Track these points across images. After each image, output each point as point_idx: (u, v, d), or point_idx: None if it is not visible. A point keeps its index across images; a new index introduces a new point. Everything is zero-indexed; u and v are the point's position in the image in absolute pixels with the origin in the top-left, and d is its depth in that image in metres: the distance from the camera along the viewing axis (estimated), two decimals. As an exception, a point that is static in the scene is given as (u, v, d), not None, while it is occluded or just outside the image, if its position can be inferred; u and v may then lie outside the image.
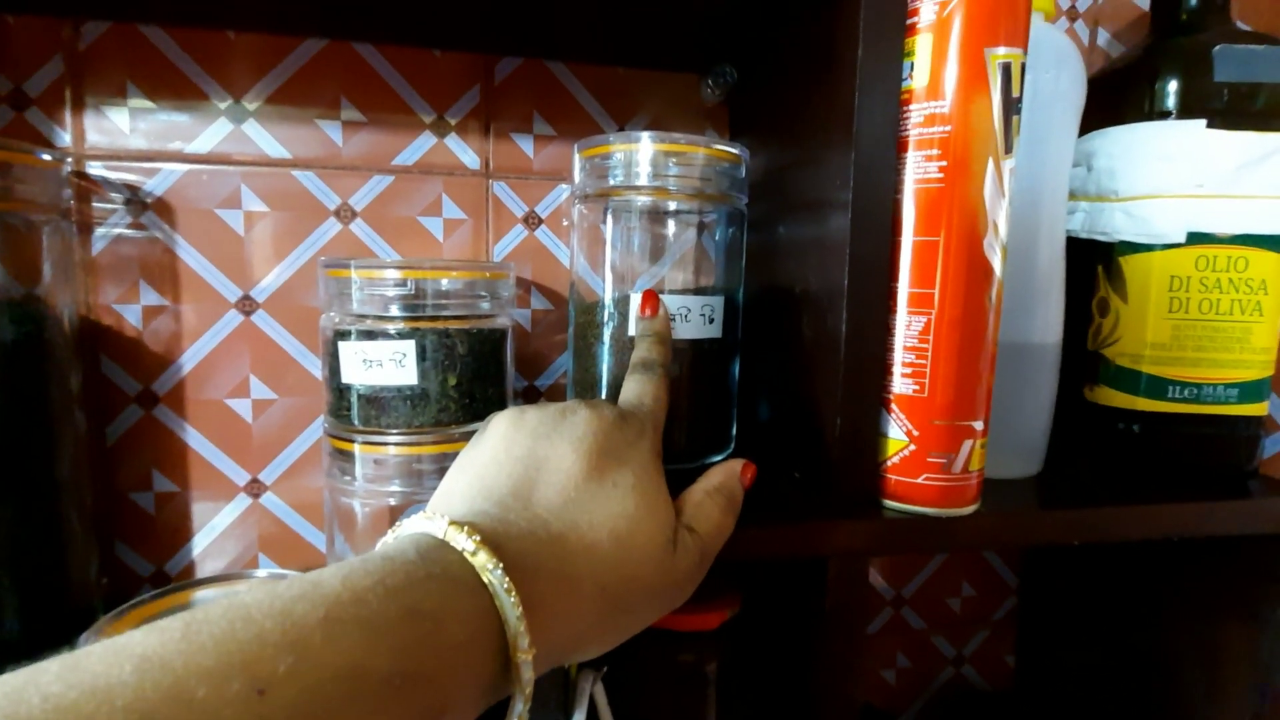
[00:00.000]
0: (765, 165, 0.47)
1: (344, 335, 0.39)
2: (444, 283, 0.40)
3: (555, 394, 0.53)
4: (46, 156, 0.40)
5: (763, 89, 0.49)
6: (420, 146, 0.49)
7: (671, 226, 0.43)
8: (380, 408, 0.40)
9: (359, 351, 0.39)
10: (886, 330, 0.36)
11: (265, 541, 0.50)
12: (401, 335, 0.39)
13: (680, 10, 0.45)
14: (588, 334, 0.45)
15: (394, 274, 0.39)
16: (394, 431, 0.40)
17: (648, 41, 0.49)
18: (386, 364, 0.39)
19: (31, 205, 0.39)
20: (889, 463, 0.37)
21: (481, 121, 0.50)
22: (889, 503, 0.38)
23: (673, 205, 0.42)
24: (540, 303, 0.52)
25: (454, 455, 0.41)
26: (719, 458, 0.45)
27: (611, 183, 0.43)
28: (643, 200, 0.42)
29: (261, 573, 0.42)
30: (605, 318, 0.44)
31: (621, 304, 0.43)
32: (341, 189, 0.48)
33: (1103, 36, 0.60)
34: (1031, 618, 0.66)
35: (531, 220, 0.52)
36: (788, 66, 0.44)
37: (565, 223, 0.52)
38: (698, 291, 0.43)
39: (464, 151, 0.50)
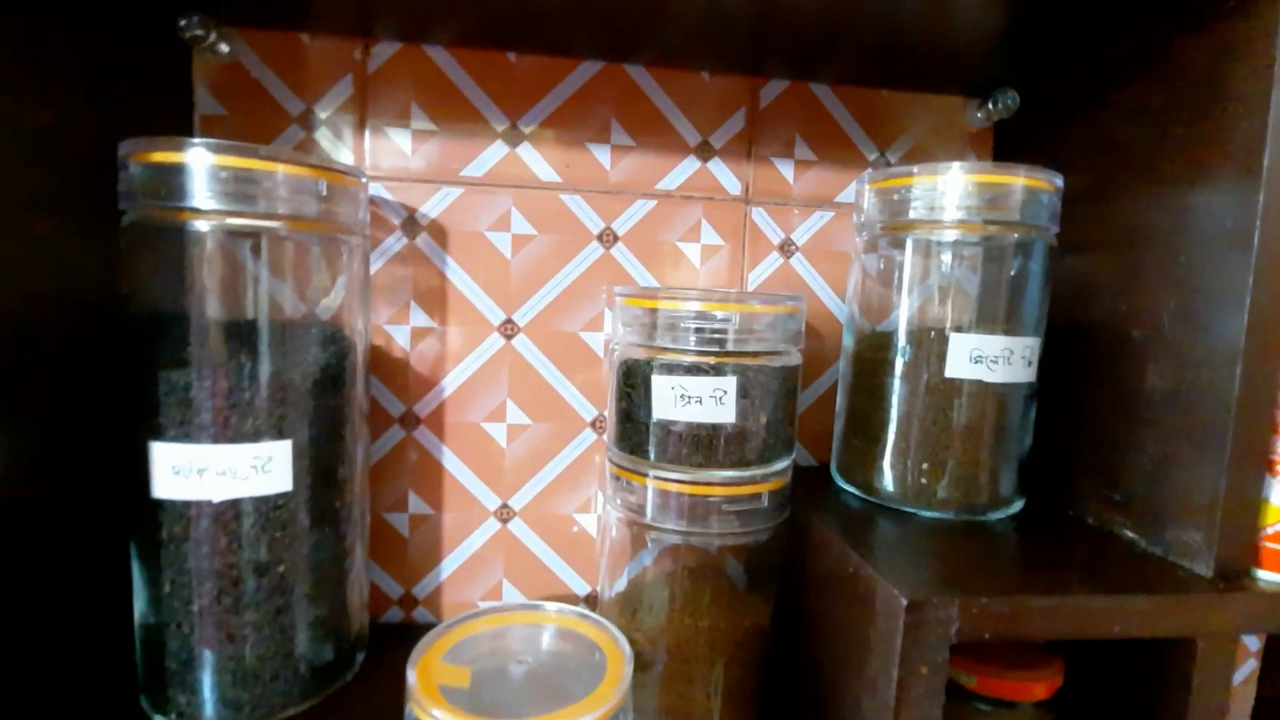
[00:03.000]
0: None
1: (655, 369, 0.38)
2: (759, 318, 0.38)
3: (804, 421, 0.51)
4: (363, 179, 0.39)
5: (1054, 114, 0.46)
6: (684, 171, 0.48)
7: (982, 262, 0.40)
8: (689, 444, 0.38)
9: (677, 387, 0.37)
10: (1276, 386, 0.33)
11: (510, 568, 0.49)
12: (719, 371, 0.37)
13: (968, 37, 0.42)
14: (874, 369, 0.43)
15: (700, 306, 0.38)
16: (690, 468, 0.39)
17: (921, 65, 0.46)
18: (706, 400, 0.37)
19: (341, 227, 0.39)
20: (1269, 531, 0.34)
21: (744, 146, 0.49)
22: (1265, 574, 0.34)
23: (982, 239, 0.40)
24: (792, 333, 0.51)
25: (744, 498, 0.40)
26: (1012, 511, 0.42)
27: (912, 216, 0.41)
28: (950, 235, 0.40)
29: (550, 606, 0.41)
30: (898, 353, 0.42)
31: (923, 341, 0.40)
32: (606, 213, 0.47)
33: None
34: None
35: (787, 248, 0.50)
36: (1105, 94, 0.41)
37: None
38: (1009, 331, 0.40)
39: (725, 176, 0.49)
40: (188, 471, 0.34)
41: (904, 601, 0.29)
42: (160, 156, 0.33)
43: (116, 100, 0.39)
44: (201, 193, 0.33)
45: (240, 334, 0.35)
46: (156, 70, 0.41)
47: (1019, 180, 0.39)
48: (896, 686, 0.30)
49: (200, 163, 0.33)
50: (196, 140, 0.33)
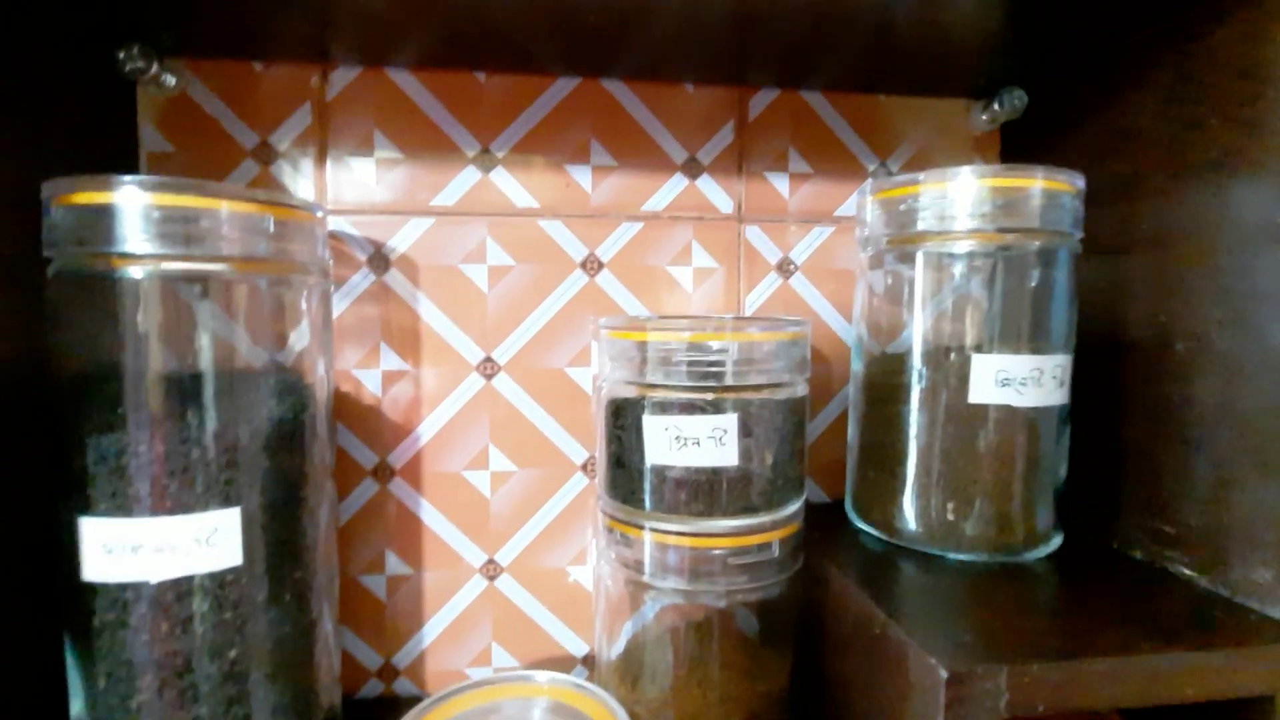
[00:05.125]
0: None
1: (647, 408, 0.34)
2: (760, 347, 0.34)
3: (813, 453, 0.47)
4: (319, 213, 0.36)
5: (1067, 111, 0.43)
6: (671, 189, 0.45)
7: (1001, 274, 0.37)
8: (688, 491, 0.34)
9: (671, 428, 0.33)
10: (1351, 400, 0.29)
11: (499, 630, 0.45)
12: (718, 409, 0.34)
13: (969, 35, 0.39)
14: (888, 396, 0.39)
15: (694, 336, 0.34)
16: (690, 518, 0.35)
17: (919, 67, 0.43)
18: (705, 442, 0.33)
19: (296, 266, 0.36)
20: (1352, 566, 0.30)
21: (734, 160, 0.45)
22: (1351, 616, 0.30)
23: (999, 249, 0.36)
24: (795, 359, 0.47)
25: (751, 549, 0.36)
26: (1050, 549, 0.38)
27: (921, 227, 0.37)
28: (964, 246, 0.36)
29: (541, 676, 0.37)
30: (914, 378, 0.38)
31: (940, 364, 0.37)
32: (589, 238, 0.44)
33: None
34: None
35: (786, 267, 0.46)
36: (1125, 84, 0.38)
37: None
38: (1036, 349, 0.37)
39: (716, 193, 0.45)
40: (121, 549, 0.30)
41: (944, 674, 0.25)
42: (86, 197, 0.30)
43: (51, 142, 0.35)
44: (134, 236, 0.30)
45: (180, 391, 0.31)
46: (96, 108, 0.38)
47: (1037, 183, 0.36)
48: (940, 773, 0.26)
49: (132, 202, 0.30)
50: (127, 178, 0.30)
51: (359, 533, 0.43)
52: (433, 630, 0.44)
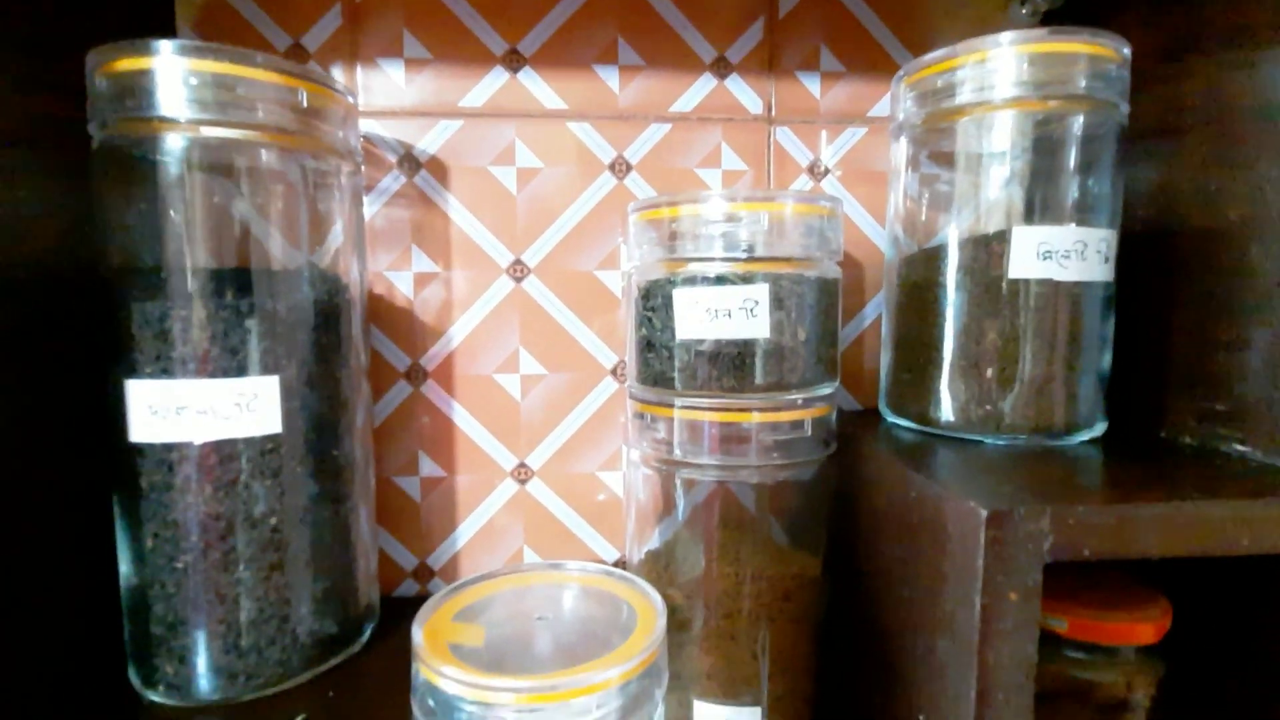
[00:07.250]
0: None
1: (677, 284, 0.34)
2: (791, 220, 0.34)
3: (844, 360, 0.46)
4: (351, 99, 0.36)
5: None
6: (700, 90, 0.44)
7: (1044, 146, 0.36)
8: (720, 366, 0.34)
9: (701, 300, 0.33)
10: None
11: (531, 533, 0.45)
12: (748, 280, 0.33)
13: None
14: (925, 285, 0.38)
15: (723, 207, 0.34)
16: (721, 394, 0.34)
17: (956, -44, 0.42)
18: (736, 314, 0.33)
19: (327, 147, 0.36)
20: None
21: (764, 59, 0.44)
22: None
23: (1042, 119, 0.35)
24: (827, 263, 0.46)
25: (784, 426, 0.35)
26: (1094, 434, 0.36)
27: (959, 101, 0.36)
28: (1005, 117, 0.35)
29: (572, 565, 0.37)
30: (954, 262, 0.37)
31: (980, 243, 0.36)
32: (617, 140, 0.44)
33: None
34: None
35: (817, 170, 0.45)
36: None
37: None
38: (1081, 223, 0.35)
39: (745, 94, 0.44)
40: (165, 411, 0.31)
41: (983, 513, 0.25)
42: (128, 63, 0.31)
43: (93, 40, 0.36)
44: (173, 100, 0.31)
45: (219, 259, 0.32)
46: (137, 10, 0.39)
47: (1081, 47, 0.34)
48: (980, 620, 0.25)
49: (171, 67, 0.30)
50: (166, 42, 0.30)
51: (393, 434, 0.44)
52: (466, 532, 0.45)
